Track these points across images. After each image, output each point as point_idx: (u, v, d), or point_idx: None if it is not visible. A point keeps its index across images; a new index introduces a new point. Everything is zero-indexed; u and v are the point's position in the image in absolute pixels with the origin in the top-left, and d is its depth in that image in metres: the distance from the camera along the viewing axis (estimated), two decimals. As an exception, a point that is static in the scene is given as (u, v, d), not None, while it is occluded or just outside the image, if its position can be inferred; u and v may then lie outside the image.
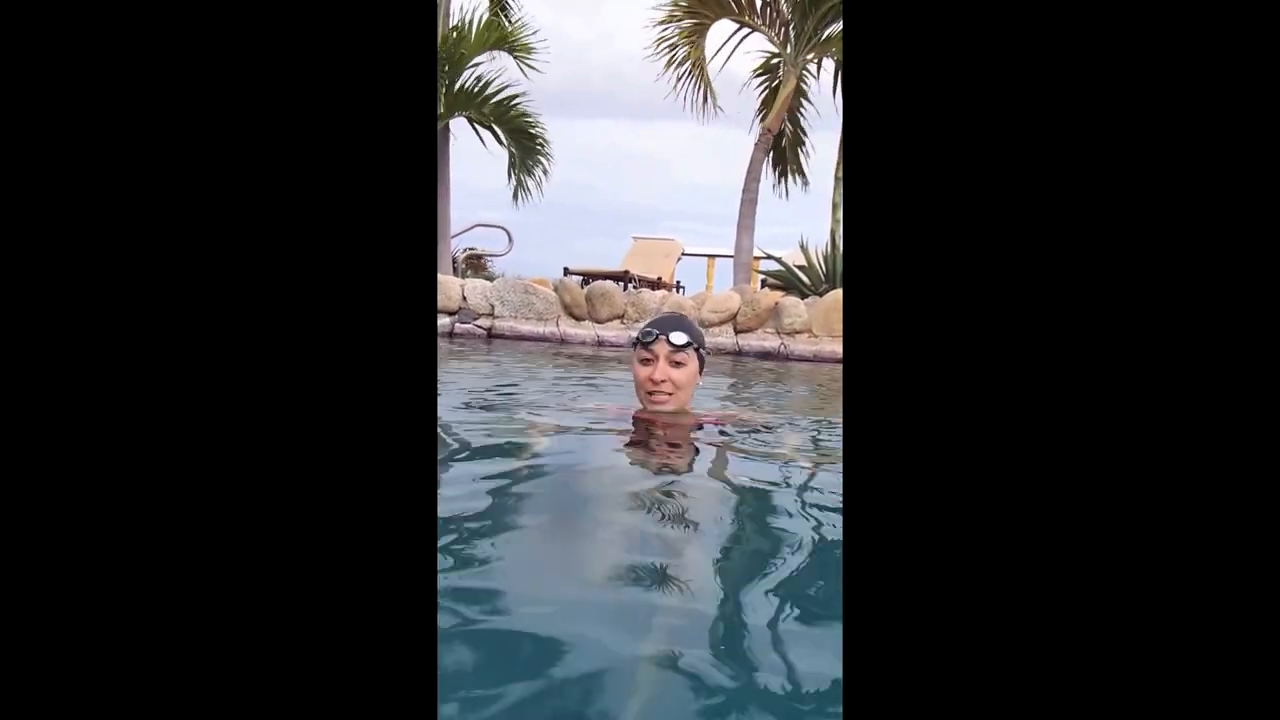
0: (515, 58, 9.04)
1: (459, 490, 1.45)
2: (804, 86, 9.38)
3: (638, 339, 2.03)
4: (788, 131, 9.89)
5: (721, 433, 2.06)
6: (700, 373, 2.07)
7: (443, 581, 1.00)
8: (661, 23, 9.17)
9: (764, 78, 9.67)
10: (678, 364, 1.98)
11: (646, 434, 1.99)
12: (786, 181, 10.26)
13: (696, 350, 2.02)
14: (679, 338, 1.97)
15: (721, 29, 9.29)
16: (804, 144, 10.04)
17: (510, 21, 9.30)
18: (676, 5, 9.08)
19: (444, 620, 0.89)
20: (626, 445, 1.95)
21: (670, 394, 1.99)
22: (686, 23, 9.19)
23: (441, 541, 1.15)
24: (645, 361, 2.00)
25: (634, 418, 2.09)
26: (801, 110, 9.74)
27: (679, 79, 9.48)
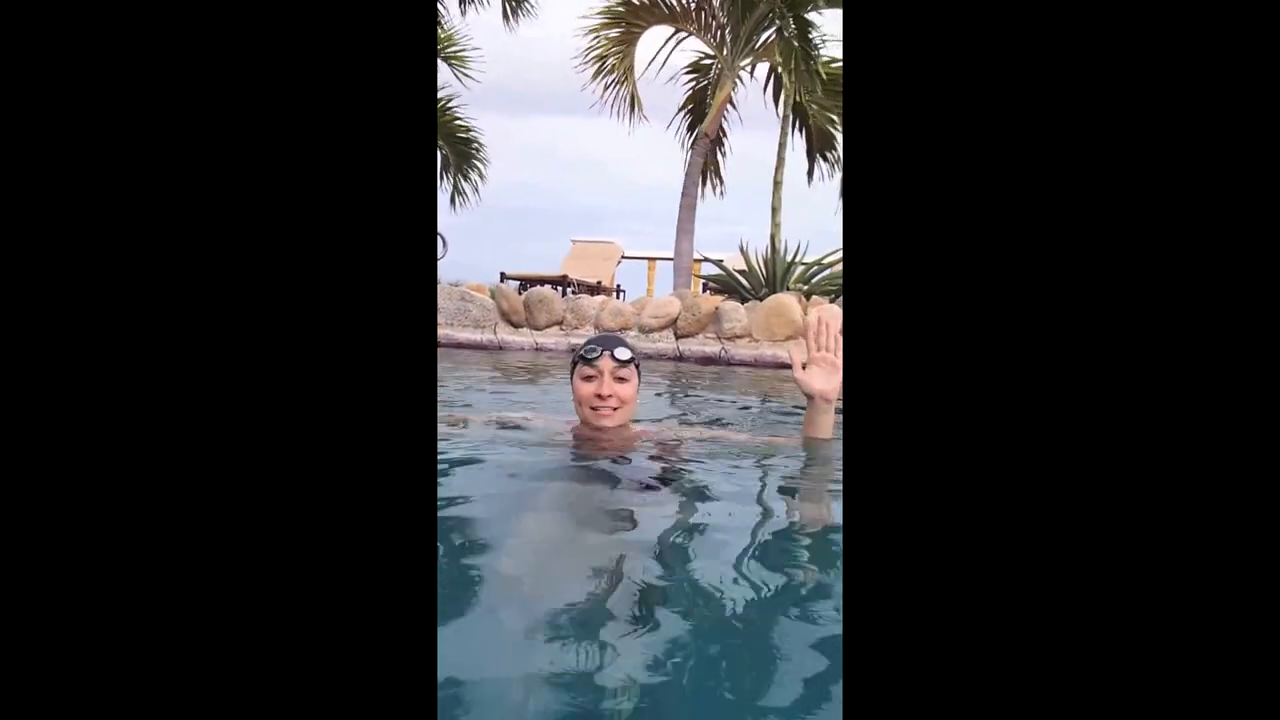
0: (451, 66, 8.94)
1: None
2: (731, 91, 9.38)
3: (579, 356, 2.05)
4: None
5: (661, 445, 2.09)
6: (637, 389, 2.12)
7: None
8: (592, 31, 9.13)
9: (693, 76, 9.67)
10: (621, 379, 2.01)
11: (590, 449, 2.01)
12: (708, 182, 10.16)
13: (636, 366, 2.07)
14: (623, 353, 2.01)
15: (656, 33, 9.27)
16: (723, 145, 9.97)
17: (444, 29, 9.19)
18: (609, 12, 9.03)
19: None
20: (571, 461, 1.97)
21: (615, 409, 2.01)
22: (615, 32, 9.15)
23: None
24: (589, 378, 2.01)
25: (575, 434, 2.10)
26: (724, 113, 9.70)
27: (606, 88, 9.47)
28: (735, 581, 1.14)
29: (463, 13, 9.52)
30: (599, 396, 1.99)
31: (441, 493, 1.53)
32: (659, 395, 3.93)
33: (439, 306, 6.68)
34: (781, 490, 1.85)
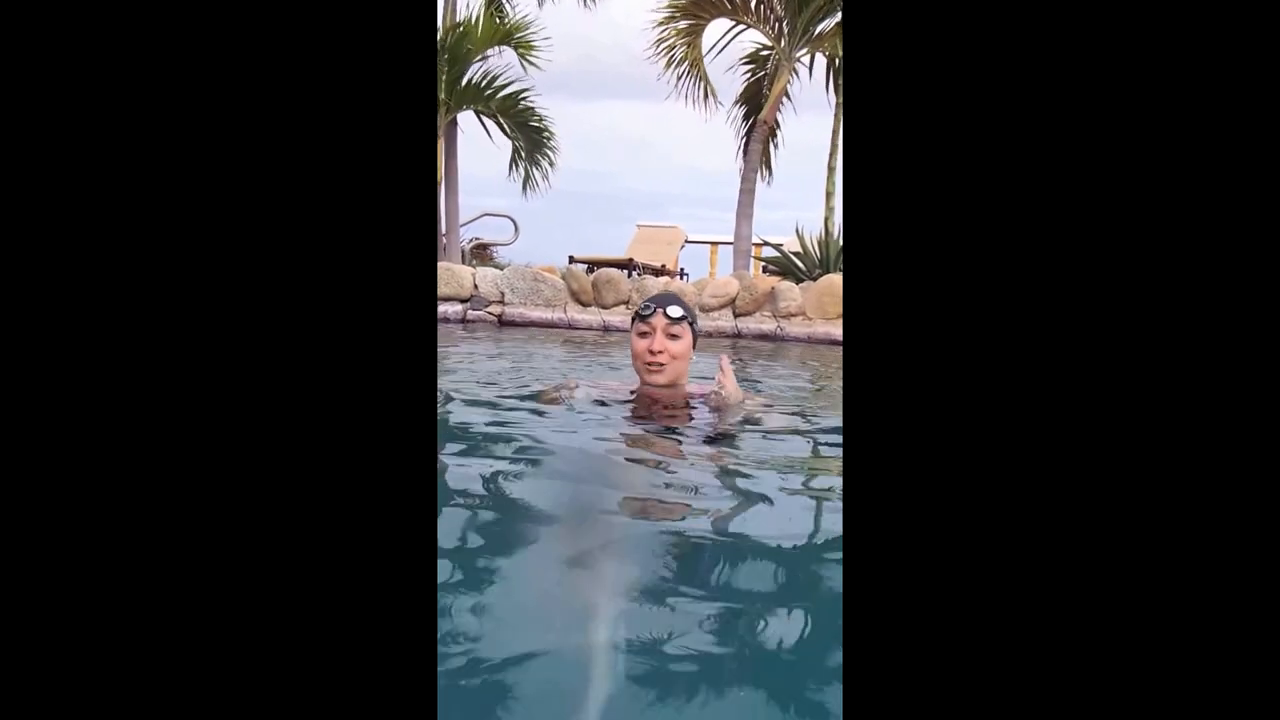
0: (519, 53, 9.34)
1: (458, 473, 1.55)
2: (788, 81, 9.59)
3: (636, 313, 2.12)
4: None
5: (713, 409, 2.14)
6: (694, 348, 2.17)
7: (442, 564, 1.03)
8: (661, 24, 9.47)
9: (750, 67, 9.90)
10: (674, 336, 2.07)
11: (644, 410, 2.10)
12: (766, 169, 10.20)
13: (690, 325, 2.12)
14: (675, 311, 2.06)
15: (717, 25, 9.56)
16: (775, 135, 10.06)
17: (505, 18, 9.55)
18: (674, 6, 9.36)
19: (444, 600, 0.92)
20: (625, 420, 2.07)
21: (665, 364, 2.07)
22: (683, 24, 9.46)
23: (442, 524, 1.19)
24: (643, 334, 2.09)
25: (632, 393, 2.19)
26: (781, 102, 9.76)
27: (679, 78, 9.79)
28: (735, 560, 1.16)
29: (539, 3, 9.90)
30: (650, 352, 2.05)
31: (498, 455, 1.68)
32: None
33: (513, 286, 7.17)
34: (820, 464, 1.83)
